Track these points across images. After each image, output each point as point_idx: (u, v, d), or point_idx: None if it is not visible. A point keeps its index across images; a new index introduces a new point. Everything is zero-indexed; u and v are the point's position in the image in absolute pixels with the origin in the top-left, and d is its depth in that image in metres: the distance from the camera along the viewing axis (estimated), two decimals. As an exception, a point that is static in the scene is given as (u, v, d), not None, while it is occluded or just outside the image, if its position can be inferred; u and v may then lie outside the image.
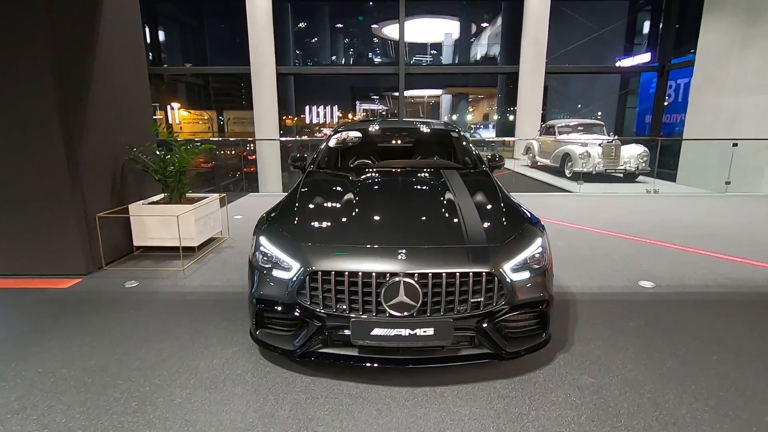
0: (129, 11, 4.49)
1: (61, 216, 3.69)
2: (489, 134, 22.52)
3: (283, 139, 16.15)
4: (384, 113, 24.97)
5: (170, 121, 17.76)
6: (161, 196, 4.63)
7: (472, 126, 24.88)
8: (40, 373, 2.34)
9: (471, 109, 26.17)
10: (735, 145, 8.58)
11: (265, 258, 2.32)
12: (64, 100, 3.56)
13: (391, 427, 1.93)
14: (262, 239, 2.40)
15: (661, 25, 16.44)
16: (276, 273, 2.25)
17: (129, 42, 4.48)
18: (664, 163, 11.29)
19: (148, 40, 17.55)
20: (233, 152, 13.46)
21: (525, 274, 2.21)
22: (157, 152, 4.45)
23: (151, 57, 17.48)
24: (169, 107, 18.05)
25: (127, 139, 4.29)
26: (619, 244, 4.75)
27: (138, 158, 4.27)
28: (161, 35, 19.03)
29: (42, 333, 2.79)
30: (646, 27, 18.07)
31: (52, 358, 2.50)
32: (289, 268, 2.21)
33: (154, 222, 4.18)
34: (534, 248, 2.30)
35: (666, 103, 15.40)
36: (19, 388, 2.21)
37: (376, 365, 2.18)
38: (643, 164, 10.15)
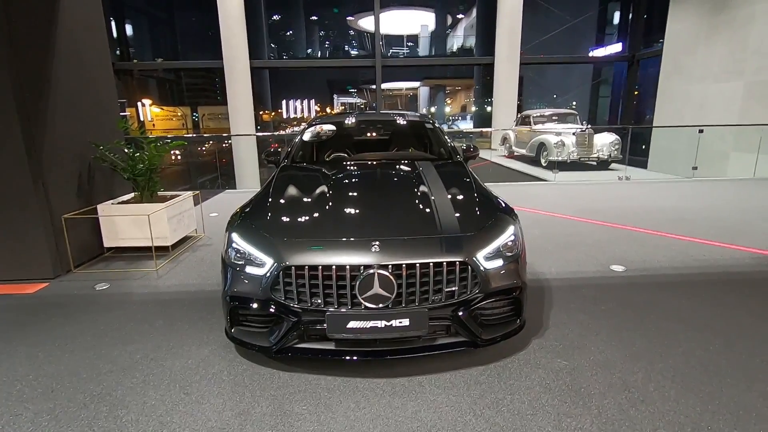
0: (90, 3, 4.32)
1: (24, 218, 3.55)
2: (467, 125, 22.68)
3: (259, 134, 15.90)
4: (361, 106, 24.84)
5: (142, 118, 17.26)
6: (131, 195, 4.50)
7: (450, 118, 25.00)
8: (5, 381, 2.25)
9: (449, 101, 26.30)
10: (701, 131, 8.86)
11: (238, 255, 2.28)
12: (23, 97, 3.40)
13: (368, 418, 1.93)
14: (234, 236, 2.36)
15: (630, 16, 16.80)
16: (249, 269, 2.22)
17: (91, 35, 4.31)
18: (636, 150, 11.61)
19: (116, 35, 16.95)
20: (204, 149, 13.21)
21: (498, 262, 2.24)
22: (126, 150, 4.32)
23: (119, 52, 16.90)
24: (140, 104, 17.52)
25: (93, 137, 4.14)
26: (593, 230, 4.87)
27: (105, 156, 4.13)
28: (129, 29, 18.41)
29: (7, 341, 2.69)
30: (617, 17, 18.45)
31: (18, 364, 2.41)
32: (263, 264, 2.18)
33: (124, 222, 4.07)
34: (507, 236, 2.33)
35: (636, 92, 15.79)
36: (-17, 398, 2.13)
37: (353, 358, 2.18)
38: (615, 152, 10.40)
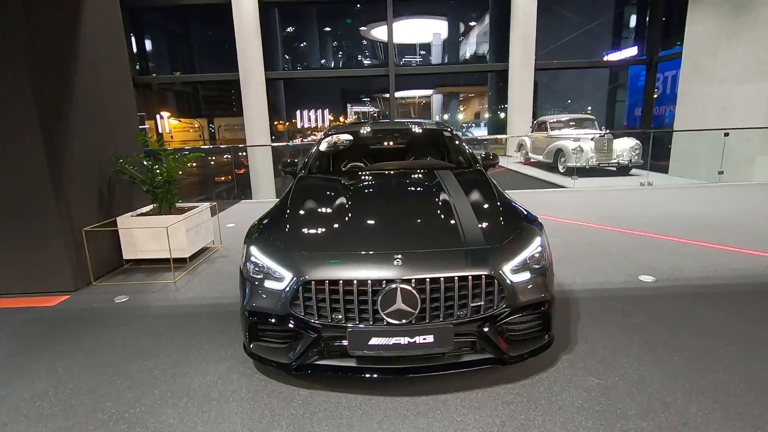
0: (110, 19, 4.40)
1: (46, 231, 3.59)
2: (481, 132, 22.53)
3: (274, 144, 16.04)
4: (375, 115, 24.92)
5: (160, 131, 17.60)
6: (150, 207, 4.53)
7: (464, 125, 24.88)
8: (26, 398, 2.24)
9: (462, 108, 26.20)
10: (726, 134, 8.59)
11: (257, 268, 2.24)
12: (45, 112, 3.46)
13: (393, 440, 1.85)
14: (253, 249, 2.31)
15: (647, 18, 16.54)
16: (268, 284, 2.17)
17: (112, 51, 4.38)
18: (656, 155, 11.31)
19: (135, 50, 17.39)
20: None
21: (525, 275, 2.15)
22: (145, 162, 4.36)
23: (138, 67, 17.32)
24: (158, 116, 17.87)
25: (113, 150, 4.19)
26: (617, 238, 4.71)
27: (124, 169, 4.17)
28: (148, 44, 18.86)
29: (28, 354, 2.69)
30: (633, 21, 18.18)
31: (38, 380, 2.40)
32: (282, 279, 2.13)
33: (143, 234, 4.08)
34: (533, 248, 2.24)
35: (655, 96, 15.48)
36: (2, 415, 2.11)
37: (375, 376, 2.10)
38: (636, 157, 10.16)
